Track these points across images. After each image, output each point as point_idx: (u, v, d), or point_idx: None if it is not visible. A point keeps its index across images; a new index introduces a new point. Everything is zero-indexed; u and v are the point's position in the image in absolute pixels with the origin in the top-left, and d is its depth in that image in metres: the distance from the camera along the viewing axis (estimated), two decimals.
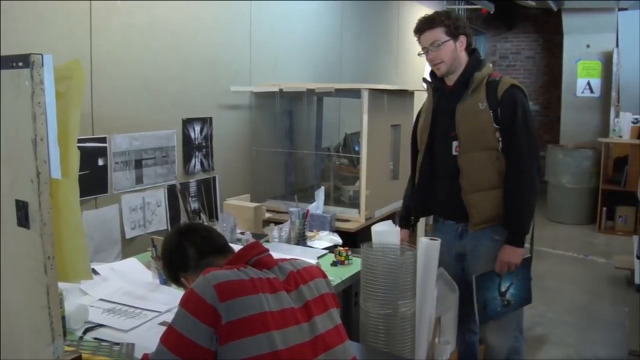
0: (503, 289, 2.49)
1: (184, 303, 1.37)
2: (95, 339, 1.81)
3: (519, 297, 2.54)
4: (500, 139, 2.39)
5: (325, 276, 1.64)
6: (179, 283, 1.70)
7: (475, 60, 2.48)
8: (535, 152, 2.43)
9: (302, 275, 1.56)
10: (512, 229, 2.42)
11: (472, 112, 2.40)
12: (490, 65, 2.52)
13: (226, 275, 1.39)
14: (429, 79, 2.62)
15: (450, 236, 2.54)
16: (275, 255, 1.61)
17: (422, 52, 2.51)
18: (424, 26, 2.46)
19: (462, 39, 2.45)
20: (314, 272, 1.61)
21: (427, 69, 2.64)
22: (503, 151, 2.40)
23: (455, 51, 2.44)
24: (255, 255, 1.53)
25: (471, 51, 2.51)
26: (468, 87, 2.42)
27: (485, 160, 2.41)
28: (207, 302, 1.33)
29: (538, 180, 2.45)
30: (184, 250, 1.65)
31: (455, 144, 2.45)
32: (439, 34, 2.42)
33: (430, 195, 2.61)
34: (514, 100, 2.38)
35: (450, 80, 2.51)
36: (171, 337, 1.36)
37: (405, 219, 2.77)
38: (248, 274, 1.43)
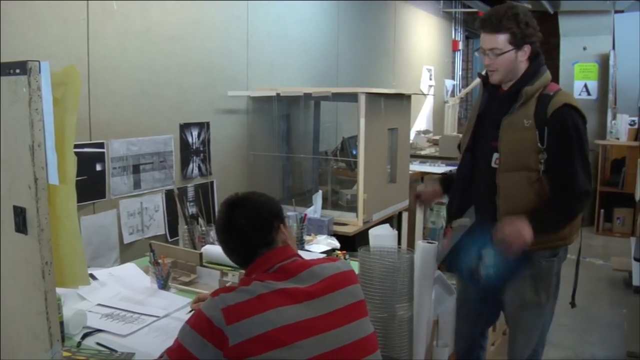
0: (485, 258, 2.21)
1: (192, 323, 1.41)
2: (96, 343, 1.82)
3: (490, 278, 2.23)
4: (542, 161, 2.19)
5: (358, 281, 1.61)
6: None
7: (532, 70, 2.25)
8: (589, 177, 2.23)
9: (338, 280, 1.53)
10: (538, 215, 2.17)
11: (517, 128, 2.21)
12: (549, 73, 2.30)
13: (233, 298, 1.40)
14: (484, 74, 2.40)
15: None
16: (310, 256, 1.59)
17: (479, 51, 2.31)
18: (488, 27, 2.23)
19: (527, 48, 2.22)
20: (351, 278, 1.58)
21: (425, 74, 2.55)
22: (545, 173, 2.20)
23: (514, 62, 2.23)
24: (279, 262, 1.52)
25: (534, 56, 2.28)
26: (517, 101, 2.23)
27: (524, 181, 2.22)
28: (214, 324, 1.36)
29: (583, 207, 2.26)
30: (233, 255, 1.64)
31: (495, 155, 2.27)
32: (501, 41, 2.20)
33: (468, 200, 2.41)
34: (564, 123, 2.17)
35: (506, 85, 2.31)
36: (178, 352, 1.39)
37: (446, 181, 2.60)
38: (258, 289, 1.42)
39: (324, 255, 2.75)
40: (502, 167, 2.26)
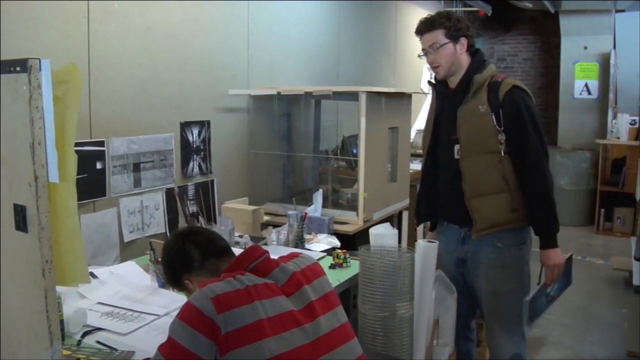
0: (549, 291, 2.46)
1: (182, 315, 1.40)
2: (96, 342, 1.81)
3: (560, 288, 2.50)
4: (502, 141, 2.34)
5: (324, 273, 1.66)
6: (181, 287, 1.69)
7: (477, 62, 2.43)
8: (546, 151, 2.38)
9: (305, 274, 1.58)
10: (545, 231, 2.39)
11: (473, 115, 2.37)
12: (493, 66, 2.47)
13: (222, 287, 1.41)
14: (433, 81, 2.60)
15: (452, 240, 2.52)
16: (277, 253, 1.62)
17: (422, 53, 2.49)
18: (423, 28, 2.44)
19: (463, 41, 2.41)
20: (318, 271, 1.63)
21: (430, 71, 2.63)
22: (507, 154, 2.35)
23: (454, 54, 2.41)
24: (253, 261, 1.54)
25: (474, 52, 2.47)
26: (469, 90, 2.38)
27: (487, 164, 2.36)
28: (205, 314, 1.36)
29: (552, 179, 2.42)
30: (187, 251, 1.65)
31: (457, 147, 2.41)
32: (438, 36, 2.40)
33: (435, 197, 2.60)
34: (516, 102, 2.34)
35: (453, 83, 2.48)
36: (169, 347, 1.38)
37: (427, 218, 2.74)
38: (243, 282, 1.44)
39: (324, 254, 2.75)
40: (464, 153, 2.40)
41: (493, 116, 2.34)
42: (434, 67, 2.46)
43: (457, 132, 2.40)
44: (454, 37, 2.40)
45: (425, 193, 2.65)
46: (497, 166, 2.36)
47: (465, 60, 2.44)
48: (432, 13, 2.52)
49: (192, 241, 1.67)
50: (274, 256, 1.62)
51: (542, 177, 2.34)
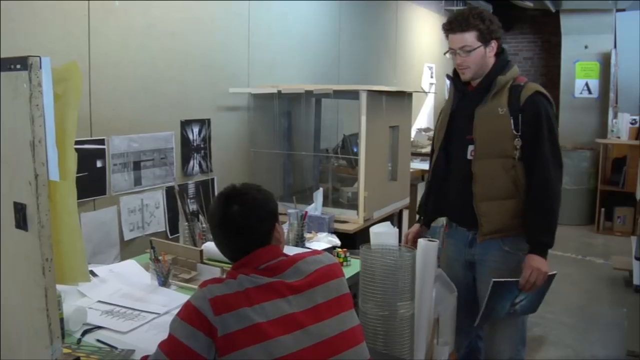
0: (517, 300, 2.35)
1: (181, 314, 1.42)
2: (96, 340, 1.81)
3: (526, 308, 2.41)
4: (517, 147, 2.28)
5: (343, 275, 1.63)
6: None
7: (501, 63, 2.36)
8: (559, 162, 2.32)
9: (322, 274, 1.55)
10: (539, 239, 2.30)
11: (491, 116, 2.30)
12: (516, 67, 2.40)
13: (221, 289, 1.42)
14: (452, 75, 2.50)
15: (460, 243, 2.48)
16: (294, 251, 1.59)
17: (449, 52, 2.39)
18: (456, 27, 2.32)
19: (494, 44, 2.33)
20: (336, 271, 1.61)
21: (431, 69, 2.58)
22: (520, 160, 2.29)
23: (484, 57, 2.33)
24: (266, 262, 1.52)
25: (499, 51, 2.38)
26: (490, 91, 2.32)
27: (499, 168, 2.30)
28: (203, 314, 1.38)
29: (560, 191, 2.34)
30: (223, 249, 1.62)
31: (470, 147, 2.35)
32: (470, 38, 2.30)
33: (443, 196, 2.53)
34: (537, 108, 2.27)
35: (474, 82, 2.40)
36: (170, 344, 1.40)
37: (424, 213, 2.70)
38: (243, 284, 1.44)
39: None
40: (477, 155, 2.34)
41: (512, 120, 2.27)
42: (462, 68, 2.37)
43: (473, 133, 2.34)
44: (485, 40, 2.31)
45: (435, 191, 2.57)
46: (509, 171, 2.30)
47: (491, 62, 2.36)
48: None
49: (224, 239, 1.59)
50: (291, 253, 1.60)
51: (547, 186, 2.27)
